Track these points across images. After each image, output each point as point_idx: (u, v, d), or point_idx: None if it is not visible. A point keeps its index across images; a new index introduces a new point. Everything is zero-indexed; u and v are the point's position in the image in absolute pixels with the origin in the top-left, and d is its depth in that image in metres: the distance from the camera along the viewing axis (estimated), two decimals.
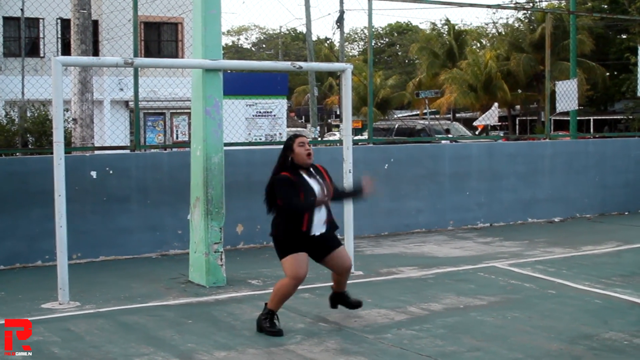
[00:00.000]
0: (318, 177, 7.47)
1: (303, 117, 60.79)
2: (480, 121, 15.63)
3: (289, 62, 10.43)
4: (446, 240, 12.89)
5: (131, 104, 25.43)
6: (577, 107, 16.10)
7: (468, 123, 46.09)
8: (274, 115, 27.12)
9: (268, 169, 12.15)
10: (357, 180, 8.14)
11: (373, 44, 15.02)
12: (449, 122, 39.53)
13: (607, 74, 46.24)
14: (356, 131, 43.54)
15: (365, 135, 29.22)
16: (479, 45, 56.76)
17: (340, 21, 37.75)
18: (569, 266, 10.50)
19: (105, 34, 27.15)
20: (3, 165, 11.11)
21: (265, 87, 26.87)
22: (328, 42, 65.62)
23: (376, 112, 44.60)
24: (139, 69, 11.86)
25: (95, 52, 25.15)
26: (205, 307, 8.40)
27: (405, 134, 30.39)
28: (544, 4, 49.21)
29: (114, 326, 7.62)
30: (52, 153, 8.71)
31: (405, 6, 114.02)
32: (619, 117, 49.91)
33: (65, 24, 26.05)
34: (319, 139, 30.92)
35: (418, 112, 54.59)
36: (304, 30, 34.48)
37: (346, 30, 78.10)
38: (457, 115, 56.99)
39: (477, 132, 17.06)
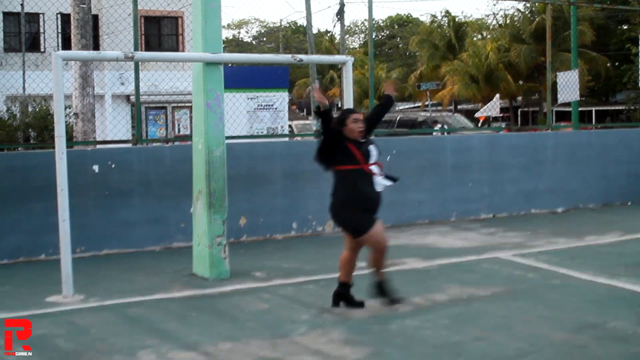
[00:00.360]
0: (371, 142, 7.78)
1: (305, 109, 60.77)
2: (482, 112, 15.62)
3: (290, 55, 10.42)
4: (449, 231, 12.88)
5: (132, 98, 25.43)
6: (578, 98, 16.07)
7: (470, 115, 46.03)
8: (276, 108, 27.11)
9: (270, 161, 12.32)
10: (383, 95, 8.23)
11: (374, 37, 15.00)
12: (450, 113, 39.48)
13: (609, 64, 46.20)
14: None
15: None
16: (479, 37, 56.71)
17: (340, 14, 37.70)
18: (572, 256, 10.50)
19: (106, 28, 27.16)
20: (5, 160, 11.11)
21: (266, 80, 26.87)
22: (329, 34, 65.58)
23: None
24: (140, 63, 11.85)
25: (96, 47, 25.14)
26: (209, 300, 8.40)
27: (406, 125, 30.36)
28: None
29: (119, 319, 7.63)
30: (54, 148, 8.70)
31: None
32: (620, 107, 49.90)
33: (65, 18, 26.05)
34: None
35: (419, 105, 54.57)
36: (305, 23, 34.44)
37: (347, 22, 78.14)
38: (459, 107, 56.96)
39: (479, 124, 17.11)
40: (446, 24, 56.20)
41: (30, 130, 20.35)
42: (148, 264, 10.42)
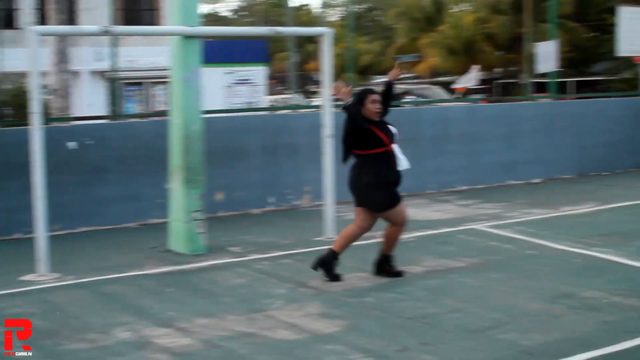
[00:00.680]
0: (389, 123, 7.88)
1: (284, 83, 60.58)
2: (460, 84, 15.55)
3: (267, 28, 10.37)
4: (427, 203, 12.90)
5: (109, 74, 25.28)
6: (556, 68, 16.09)
7: (449, 87, 46.02)
8: (253, 83, 27.02)
9: (247, 136, 12.27)
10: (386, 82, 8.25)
11: (352, 9, 14.96)
12: (429, 86, 39.43)
13: (586, 35, 46.21)
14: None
15: None
16: (458, 9, 56.58)
17: None
18: (548, 227, 10.53)
19: (83, 3, 26.91)
20: None
21: (243, 55, 26.74)
22: (307, 7, 65.32)
23: (356, 78, 44.48)
24: (117, 38, 11.76)
25: (73, 22, 24.94)
26: (185, 275, 8.39)
27: (399, 98, 30.30)
28: None
29: (95, 296, 7.61)
30: (29, 124, 8.64)
31: None
32: (599, 78, 49.97)
33: None
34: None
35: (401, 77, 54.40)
36: None
37: None
38: (438, 79, 56.87)
39: (457, 95, 17.11)
40: None
41: (5, 108, 20.19)
42: (124, 240, 10.39)
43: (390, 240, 8.01)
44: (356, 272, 8.26)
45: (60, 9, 13.59)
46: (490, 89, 51.56)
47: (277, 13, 70.31)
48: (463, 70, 46.24)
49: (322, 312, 6.89)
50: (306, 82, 60.05)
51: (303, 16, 59.84)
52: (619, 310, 6.72)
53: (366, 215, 7.95)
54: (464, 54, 46.70)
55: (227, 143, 12.10)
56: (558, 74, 16.72)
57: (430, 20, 52.17)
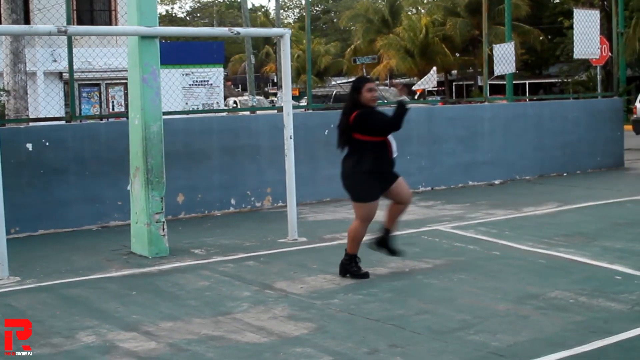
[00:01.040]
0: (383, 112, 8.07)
1: (240, 85, 60.46)
2: (419, 85, 15.58)
3: (227, 28, 10.28)
4: (389, 204, 12.83)
5: (65, 75, 24.95)
6: (514, 70, 16.18)
7: (407, 88, 46.13)
8: (211, 84, 26.87)
9: (207, 137, 12.17)
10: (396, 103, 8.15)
11: (310, 10, 14.91)
12: (385, 87, 39.54)
13: (541, 37, 46.65)
14: (293, 99, 43.38)
15: (303, 102, 29.10)
16: (414, 11, 56.85)
17: None
18: (511, 227, 10.56)
19: (37, 3, 26.57)
20: None
21: (201, 56, 26.62)
22: (263, 9, 65.21)
23: (314, 80, 44.47)
24: (73, 39, 11.59)
25: (27, 22, 24.61)
26: (148, 278, 8.27)
27: (343, 100, 30.29)
28: None
29: (57, 300, 7.46)
30: None
31: None
32: (553, 80, 50.47)
33: None
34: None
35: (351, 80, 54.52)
36: None
37: None
38: (395, 81, 57.10)
39: (415, 97, 17.10)
40: None
41: None
42: (85, 243, 10.23)
43: (394, 217, 8.25)
44: (321, 274, 8.21)
45: (13, 8, 13.38)
46: (445, 91, 51.86)
47: (231, 15, 70.16)
48: (420, 72, 46.49)
49: (289, 315, 6.81)
50: (263, 84, 59.95)
51: (259, 18, 59.66)
52: (585, 310, 6.72)
53: (363, 208, 8.03)
54: (420, 56, 46.91)
55: (188, 144, 12.00)
56: (513, 76, 16.79)
57: (386, 23, 52.36)
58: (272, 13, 46.17)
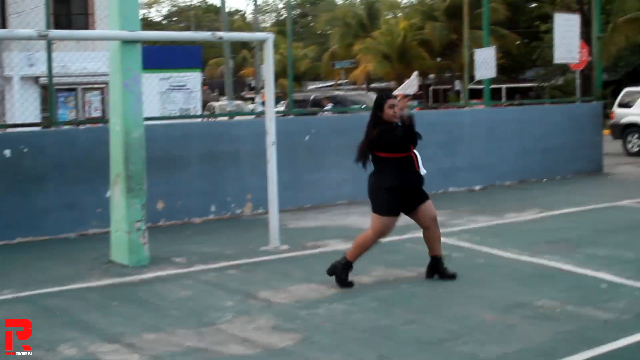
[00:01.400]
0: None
1: (217, 90, 60.26)
2: (400, 90, 15.46)
3: (210, 33, 10.19)
4: (369, 211, 12.73)
5: (42, 79, 24.70)
6: (495, 75, 16.14)
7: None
8: (188, 89, 26.69)
9: (188, 142, 12.06)
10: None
11: (285, 16, 14.82)
12: (364, 92, 39.50)
13: (518, 42, 46.76)
14: None
15: (280, 107, 28.98)
16: (392, 15, 56.88)
17: None
18: (494, 234, 10.51)
19: (15, 7, 26.31)
20: None
21: (179, 60, 26.42)
22: (241, 13, 65.08)
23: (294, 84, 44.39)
24: (52, 42, 11.44)
25: (4, 26, 24.38)
26: (130, 288, 8.14)
27: (320, 105, 30.22)
28: None
29: (36, 311, 7.31)
30: None
31: None
32: (530, 85, 50.58)
33: None
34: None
35: (332, 83, 54.51)
36: (215, 2, 34.03)
37: (258, 1, 77.40)
38: (371, 85, 57.08)
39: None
40: (358, 1, 56.22)
41: None
42: (64, 251, 10.08)
43: (359, 244, 7.99)
44: (305, 283, 8.11)
45: None
46: (423, 95, 51.86)
47: (208, 18, 69.91)
48: (397, 76, 46.49)
49: (274, 325, 6.71)
50: (241, 88, 59.78)
51: (236, 22, 59.52)
52: (573, 319, 6.66)
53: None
54: (398, 60, 46.91)
55: (167, 151, 11.87)
56: (491, 80, 16.76)
57: (364, 27, 52.34)
58: (249, 17, 46.16)
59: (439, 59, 48.74)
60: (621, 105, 24.05)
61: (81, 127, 13.32)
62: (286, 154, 12.48)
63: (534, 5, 48.03)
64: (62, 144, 11.13)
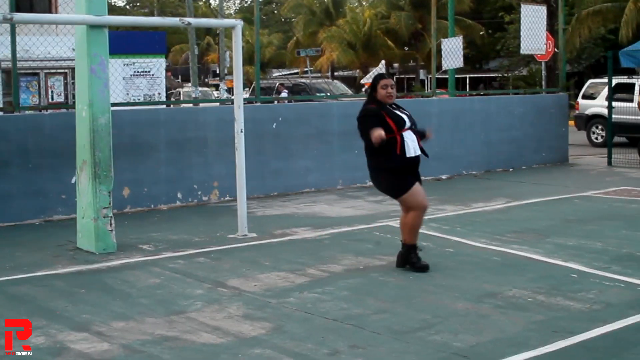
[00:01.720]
0: (403, 109, 7.99)
1: (180, 76, 59.89)
2: (368, 79, 15.46)
3: (178, 18, 10.06)
4: (337, 199, 12.76)
5: (4, 64, 24.35)
6: (462, 65, 16.15)
7: (349, 81, 46.11)
8: (152, 75, 26.45)
9: (153, 129, 11.92)
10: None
11: (249, 2, 14.68)
12: (329, 80, 39.41)
13: (482, 32, 46.93)
14: (229, 91, 43.08)
15: (246, 95, 28.78)
16: (357, 4, 56.82)
17: None
18: (462, 223, 10.50)
19: None
20: None
21: (143, 46, 26.16)
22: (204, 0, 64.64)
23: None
24: (17, 26, 11.24)
25: None
26: (97, 275, 8.02)
27: (277, 91, 30.11)
28: None
29: (1, 299, 7.18)
30: None
31: None
32: (493, 75, 50.84)
33: None
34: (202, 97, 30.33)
35: (297, 71, 54.39)
36: None
37: None
38: (336, 73, 57.01)
39: (364, 90, 17.01)
40: None
41: None
42: (29, 238, 9.92)
43: (406, 228, 7.96)
44: (274, 272, 8.04)
45: None
46: None
47: (172, 5, 69.38)
48: (362, 65, 46.45)
49: (245, 314, 6.64)
50: (205, 75, 59.44)
51: (200, 9, 59.08)
52: (545, 309, 6.65)
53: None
54: (363, 49, 46.87)
55: (133, 137, 11.73)
56: (455, 70, 16.76)
57: (329, 15, 52.22)
58: (213, 2, 45.81)
59: (406, 49, 48.77)
60: (585, 96, 24.19)
61: (45, 112, 13.13)
62: (253, 142, 12.38)
63: None
64: (25, 129, 10.95)
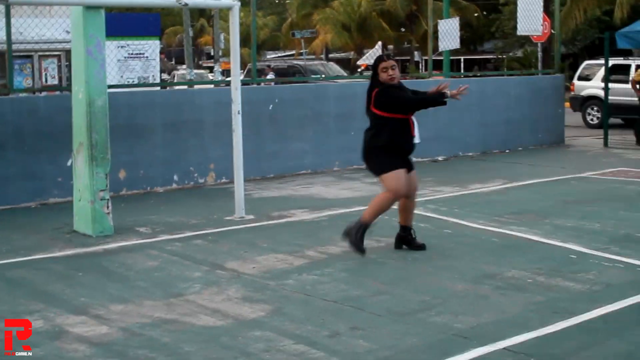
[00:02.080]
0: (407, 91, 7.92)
1: (174, 58, 59.73)
2: (364, 60, 15.41)
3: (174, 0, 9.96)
4: (333, 181, 12.72)
5: None
6: (458, 46, 16.09)
7: (344, 63, 45.98)
8: (147, 57, 26.32)
9: (150, 111, 11.86)
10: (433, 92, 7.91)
11: None
12: (324, 62, 39.32)
13: (477, 14, 46.83)
14: (227, 73, 42.94)
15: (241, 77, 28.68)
16: None
17: None
18: (460, 205, 10.48)
19: None
20: None
21: (137, 28, 25.99)
22: None
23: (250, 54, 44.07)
24: (12, 7, 11.15)
25: None
26: (94, 258, 7.99)
27: (280, 74, 30.02)
28: None
29: None
30: None
31: None
32: (488, 56, 50.72)
33: None
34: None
35: (292, 53, 54.24)
36: None
37: None
38: (330, 55, 56.85)
39: (359, 71, 16.92)
40: None
41: None
42: (25, 221, 9.87)
43: (371, 204, 7.86)
44: (272, 253, 8.02)
45: None
46: None
47: None
48: (357, 47, 46.33)
49: (244, 296, 6.61)
50: (199, 57, 59.25)
51: None
52: (545, 290, 6.64)
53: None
54: (358, 30, 46.74)
55: (129, 119, 11.67)
56: (450, 51, 16.70)
57: None
58: None
59: (402, 30, 48.64)
60: (581, 78, 24.15)
61: (40, 94, 13.06)
62: (250, 124, 12.31)
63: None
64: (21, 112, 10.89)
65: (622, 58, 22.65)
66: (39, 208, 10.74)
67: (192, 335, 5.69)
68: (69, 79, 13.02)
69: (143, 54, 26.17)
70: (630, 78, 19.56)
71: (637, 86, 17.32)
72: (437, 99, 7.74)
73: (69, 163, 9.67)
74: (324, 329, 5.77)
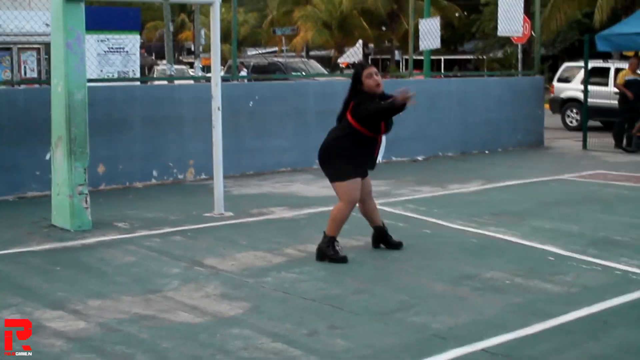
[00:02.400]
0: (388, 97, 7.49)
1: (154, 53, 59.50)
2: (345, 58, 15.37)
3: None
4: (313, 179, 12.69)
5: None
6: (439, 46, 16.11)
7: (324, 61, 45.95)
8: (127, 52, 26.21)
9: (129, 105, 11.81)
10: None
11: None
12: (305, 60, 39.31)
13: (457, 14, 46.93)
14: (208, 69, 42.82)
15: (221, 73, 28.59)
16: None
17: None
18: (439, 205, 10.49)
19: None
20: None
21: (117, 22, 25.89)
22: None
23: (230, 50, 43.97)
24: None
25: None
26: (72, 253, 7.94)
27: (261, 71, 29.99)
28: None
29: None
30: None
31: None
32: (468, 57, 50.86)
33: None
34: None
35: (274, 50, 54.18)
36: None
37: None
38: (311, 53, 56.83)
39: (340, 70, 16.93)
40: None
41: None
42: (3, 215, 9.81)
43: (330, 218, 7.64)
44: (251, 250, 8.01)
45: None
46: None
47: None
48: (337, 45, 46.32)
49: (222, 293, 6.59)
50: (179, 53, 59.07)
51: None
52: (523, 291, 6.65)
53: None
54: (338, 29, 46.74)
55: (108, 113, 11.62)
56: (431, 51, 16.71)
57: None
58: None
59: (383, 29, 48.67)
60: (560, 80, 24.22)
61: (19, 87, 12.98)
62: (230, 120, 12.29)
63: None
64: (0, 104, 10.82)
65: (601, 61, 22.73)
66: (16, 201, 10.67)
67: (170, 331, 5.67)
68: (48, 72, 12.93)
69: (123, 48, 26.05)
70: (615, 82, 19.60)
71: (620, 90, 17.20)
72: (392, 107, 7.33)
73: (47, 157, 9.60)
74: (302, 328, 5.76)
